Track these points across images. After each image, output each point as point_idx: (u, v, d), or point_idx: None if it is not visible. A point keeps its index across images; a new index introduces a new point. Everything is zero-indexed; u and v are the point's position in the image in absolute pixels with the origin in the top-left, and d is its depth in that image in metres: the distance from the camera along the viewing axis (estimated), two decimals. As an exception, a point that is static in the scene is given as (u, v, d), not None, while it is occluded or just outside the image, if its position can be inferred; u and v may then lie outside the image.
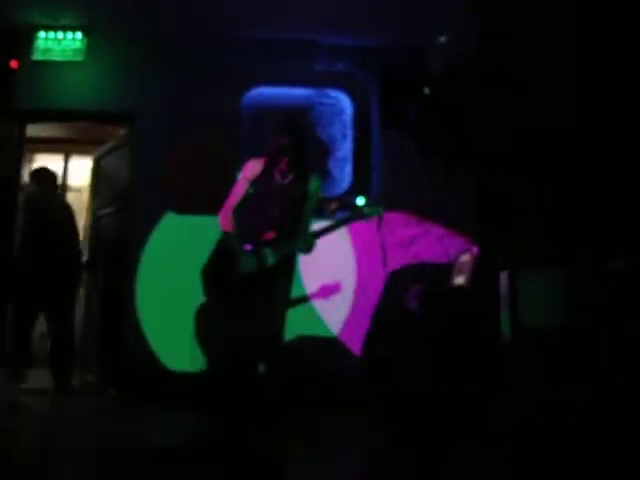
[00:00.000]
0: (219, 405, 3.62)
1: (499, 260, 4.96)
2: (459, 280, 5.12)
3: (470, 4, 4.93)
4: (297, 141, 3.67)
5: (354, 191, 5.34)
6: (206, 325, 4.79)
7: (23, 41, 5.33)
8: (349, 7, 4.95)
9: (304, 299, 5.10)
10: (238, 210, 3.71)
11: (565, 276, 4.49)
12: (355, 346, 5.12)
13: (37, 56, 5.39)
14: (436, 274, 5.18)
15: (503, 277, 4.90)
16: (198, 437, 3.57)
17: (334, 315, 5.17)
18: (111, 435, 3.67)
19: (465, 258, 5.16)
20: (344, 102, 5.47)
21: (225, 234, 3.69)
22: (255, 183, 3.70)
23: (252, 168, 3.74)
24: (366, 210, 3.81)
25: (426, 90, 5.43)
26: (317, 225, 3.78)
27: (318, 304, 5.19)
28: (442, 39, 5.30)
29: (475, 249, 5.15)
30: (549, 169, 4.85)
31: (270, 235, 3.60)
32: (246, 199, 3.71)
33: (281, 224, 3.64)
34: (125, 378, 4.86)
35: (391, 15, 5.04)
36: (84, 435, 3.69)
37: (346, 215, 3.94)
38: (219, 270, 3.70)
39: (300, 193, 3.70)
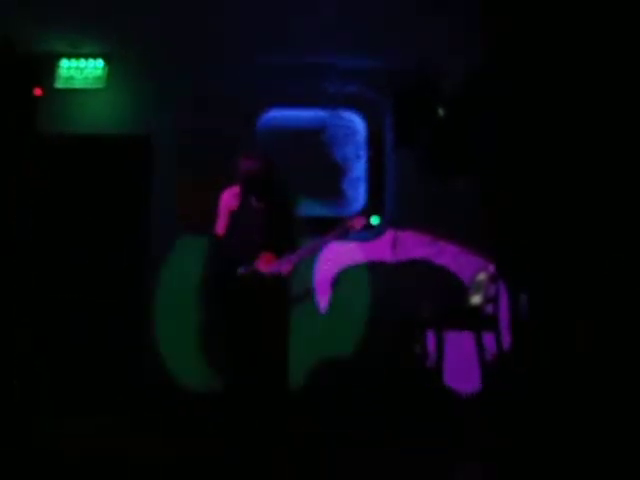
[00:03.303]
0: (229, 424, 3.55)
1: (518, 282, 4.80)
2: (475, 300, 4.96)
3: (485, 25, 4.87)
4: (262, 166, 3.67)
5: (368, 211, 5.28)
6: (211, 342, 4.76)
7: (46, 69, 5.38)
8: (362, 29, 4.89)
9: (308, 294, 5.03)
10: (226, 239, 3.71)
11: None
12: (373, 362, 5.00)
13: (60, 84, 5.43)
14: (452, 292, 5.05)
15: (523, 299, 4.74)
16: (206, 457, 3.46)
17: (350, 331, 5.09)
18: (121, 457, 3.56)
19: (481, 277, 5.01)
20: (357, 123, 5.37)
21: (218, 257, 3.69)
22: (235, 212, 3.70)
23: (228, 200, 3.75)
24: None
25: (440, 111, 5.36)
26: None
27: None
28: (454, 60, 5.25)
29: (491, 268, 5.00)
30: (566, 187, 4.71)
31: (262, 256, 3.58)
32: (232, 228, 3.71)
33: (269, 245, 3.63)
34: (140, 398, 4.76)
35: (403, 36, 4.96)
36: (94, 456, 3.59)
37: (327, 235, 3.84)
38: (219, 289, 3.69)
39: (279, 214, 3.69)
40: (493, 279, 4.84)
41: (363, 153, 5.37)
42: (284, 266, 3.60)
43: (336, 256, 5.14)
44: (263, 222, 3.65)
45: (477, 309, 4.80)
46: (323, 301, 5.13)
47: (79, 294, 5.04)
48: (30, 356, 4.82)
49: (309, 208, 5.05)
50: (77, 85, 5.45)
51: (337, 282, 5.14)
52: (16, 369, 4.70)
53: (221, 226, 3.74)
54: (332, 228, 4.62)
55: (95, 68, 5.45)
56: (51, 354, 4.90)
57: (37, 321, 4.90)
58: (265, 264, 3.59)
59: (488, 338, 4.64)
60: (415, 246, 5.20)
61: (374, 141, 5.37)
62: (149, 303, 5.07)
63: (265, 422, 3.56)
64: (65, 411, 4.54)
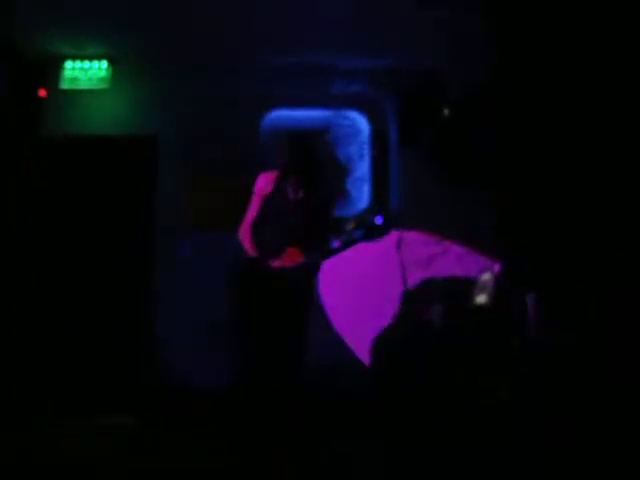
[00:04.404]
0: (243, 423, 3.50)
1: (525, 281, 4.71)
2: (480, 299, 4.88)
3: (486, 23, 4.80)
4: (306, 159, 3.57)
5: (372, 210, 5.22)
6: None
7: (51, 70, 5.38)
8: (365, 29, 4.83)
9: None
10: (256, 227, 3.63)
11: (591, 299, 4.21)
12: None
13: (65, 85, 5.42)
14: (457, 292, 4.97)
15: (530, 299, 4.65)
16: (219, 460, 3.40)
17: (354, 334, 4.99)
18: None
19: (486, 277, 4.93)
20: (361, 123, 5.32)
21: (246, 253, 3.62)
22: (269, 199, 3.61)
23: (264, 183, 3.65)
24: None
25: (445, 111, 5.29)
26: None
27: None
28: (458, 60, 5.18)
29: (497, 267, 4.91)
30: (573, 187, 4.62)
31: (288, 251, 3.51)
32: (263, 215, 3.63)
33: (300, 239, 3.55)
34: (140, 398, 4.70)
35: (407, 36, 4.89)
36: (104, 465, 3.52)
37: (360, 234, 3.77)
38: (245, 287, 3.63)
39: (314, 207, 3.60)
40: (498, 279, 4.77)
41: (367, 153, 5.31)
42: (310, 259, 3.52)
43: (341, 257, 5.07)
44: (297, 215, 3.56)
45: (482, 309, 4.73)
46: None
47: (79, 294, 5.01)
48: (30, 356, 4.80)
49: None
50: (82, 86, 5.43)
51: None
52: (16, 369, 4.67)
53: (253, 211, 3.64)
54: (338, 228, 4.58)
55: (99, 69, 5.43)
56: (51, 354, 4.88)
57: (37, 321, 4.88)
58: (291, 259, 3.52)
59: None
60: (420, 245, 5.12)
61: (378, 141, 5.31)
62: (151, 303, 5.03)
63: (267, 422, 3.50)
64: (65, 411, 4.51)
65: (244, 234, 3.65)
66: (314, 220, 3.61)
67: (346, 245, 3.90)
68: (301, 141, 3.71)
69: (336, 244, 3.67)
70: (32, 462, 3.37)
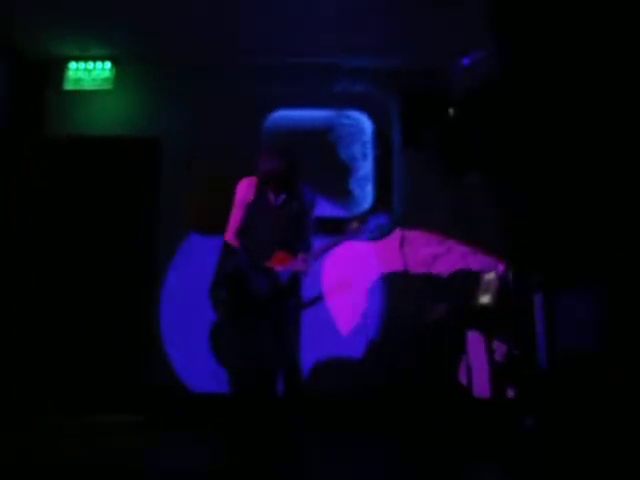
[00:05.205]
0: (239, 427, 3.46)
1: (532, 280, 4.65)
2: (484, 299, 4.82)
3: (488, 23, 4.74)
4: (286, 164, 3.56)
5: (375, 210, 5.17)
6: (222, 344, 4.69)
7: (56, 72, 5.38)
8: (367, 29, 4.81)
9: (319, 299, 4.92)
10: (242, 233, 3.63)
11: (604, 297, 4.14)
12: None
13: (69, 86, 5.41)
14: (460, 292, 4.91)
15: (538, 299, 4.58)
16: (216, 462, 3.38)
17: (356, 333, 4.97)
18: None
19: (490, 276, 4.87)
20: (364, 122, 5.26)
21: (233, 254, 3.61)
22: (251, 206, 3.61)
23: (245, 190, 3.65)
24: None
25: (450, 111, 5.24)
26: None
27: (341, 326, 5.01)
28: (463, 61, 5.13)
29: (500, 267, 4.86)
30: (580, 182, 4.55)
31: (277, 254, 3.51)
32: (247, 221, 3.62)
33: (284, 243, 3.54)
34: (140, 398, 4.70)
35: (410, 36, 4.86)
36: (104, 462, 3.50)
37: (341, 235, 3.77)
38: (231, 290, 3.61)
39: (296, 210, 3.60)
40: (502, 278, 4.71)
41: (370, 153, 5.27)
42: (299, 265, 3.51)
43: (344, 257, 5.03)
44: (280, 219, 3.55)
45: (486, 309, 4.67)
46: (333, 304, 5.04)
47: (79, 294, 4.98)
48: (30, 356, 4.79)
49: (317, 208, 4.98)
50: (85, 87, 5.42)
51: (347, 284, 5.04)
52: (16, 369, 4.66)
53: (236, 218, 3.63)
54: (341, 228, 4.54)
55: (103, 70, 5.43)
56: (51, 354, 4.86)
57: (37, 321, 4.86)
58: (280, 263, 3.51)
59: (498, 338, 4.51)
60: (423, 245, 5.08)
61: (381, 140, 5.26)
62: (151, 303, 4.99)
63: (267, 422, 3.47)
64: (65, 411, 4.49)
65: (230, 240, 3.65)
66: (297, 223, 3.60)
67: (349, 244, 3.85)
68: (284, 146, 3.70)
69: (339, 244, 3.64)
70: (32, 462, 3.34)
